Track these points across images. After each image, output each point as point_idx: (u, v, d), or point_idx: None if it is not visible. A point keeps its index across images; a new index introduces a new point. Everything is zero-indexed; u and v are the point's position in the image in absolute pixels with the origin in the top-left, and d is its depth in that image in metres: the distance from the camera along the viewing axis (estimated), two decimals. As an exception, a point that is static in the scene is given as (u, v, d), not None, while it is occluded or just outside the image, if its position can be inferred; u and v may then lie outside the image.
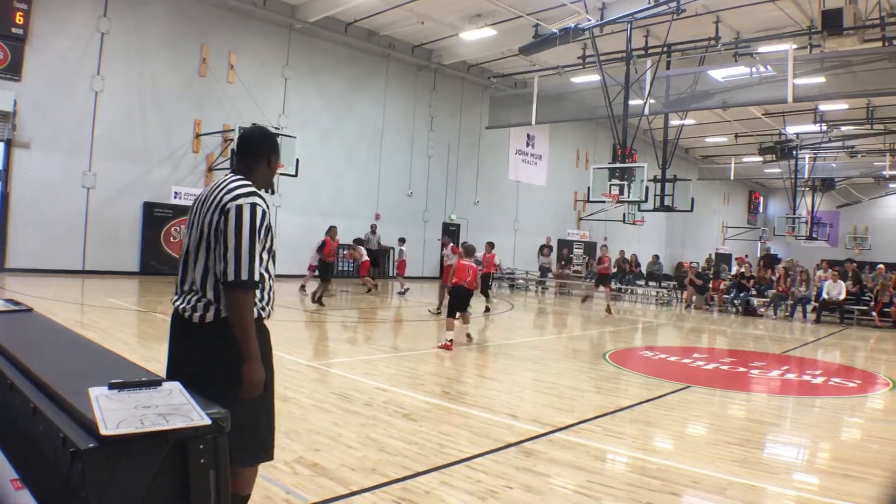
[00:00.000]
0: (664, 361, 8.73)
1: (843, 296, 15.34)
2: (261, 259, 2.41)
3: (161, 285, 14.31)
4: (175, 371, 2.42)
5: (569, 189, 28.77)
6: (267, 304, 2.55)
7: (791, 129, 25.65)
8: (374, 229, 19.85)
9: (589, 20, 16.01)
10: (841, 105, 22.15)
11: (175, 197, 16.61)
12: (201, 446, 1.58)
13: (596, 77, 17.83)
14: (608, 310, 14.91)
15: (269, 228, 2.47)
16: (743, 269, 18.38)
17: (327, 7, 17.85)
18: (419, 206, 22.76)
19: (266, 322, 2.58)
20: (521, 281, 22.92)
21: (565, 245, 27.12)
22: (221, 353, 2.35)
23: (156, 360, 6.40)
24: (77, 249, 15.19)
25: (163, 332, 8.81)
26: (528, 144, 26.87)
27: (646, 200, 17.23)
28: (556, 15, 16.83)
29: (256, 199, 2.40)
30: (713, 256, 29.03)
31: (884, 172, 28.63)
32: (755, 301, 17.27)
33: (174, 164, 16.84)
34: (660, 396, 6.27)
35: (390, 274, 20.83)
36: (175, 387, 1.75)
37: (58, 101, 14.69)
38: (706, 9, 16.28)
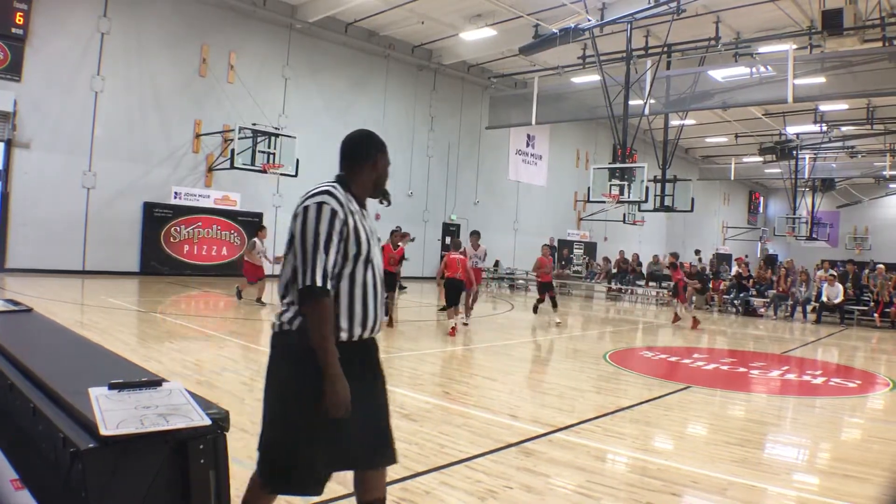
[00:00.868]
0: (664, 362, 8.73)
1: (839, 299, 15.35)
2: (335, 263, 2.19)
3: (161, 285, 14.31)
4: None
5: (569, 189, 28.76)
6: (345, 321, 2.22)
7: (791, 130, 25.64)
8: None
9: (589, 20, 16.01)
10: (841, 105, 22.13)
11: (175, 197, 16.65)
12: (201, 446, 1.58)
13: (596, 77, 17.84)
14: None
15: (352, 231, 2.23)
16: (741, 270, 18.36)
17: (327, 7, 17.86)
18: (419, 206, 22.75)
19: (351, 342, 2.26)
20: (521, 281, 22.90)
21: (565, 245, 27.15)
22: (270, 364, 2.29)
23: (156, 360, 6.40)
24: (77, 249, 15.19)
25: (163, 332, 8.79)
26: (528, 144, 26.87)
27: (646, 200, 17.26)
28: (556, 15, 16.82)
29: (325, 198, 2.23)
30: (703, 256, 28.66)
31: (884, 173, 28.62)
32: (755, 301, 17.27)
33: (174, 165, 16.84)
34: (660, 397, 6.27)
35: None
36: (175, 387, 1.75)
37: (58, 101, 14.69)
38: (706, 9, 16.28)
